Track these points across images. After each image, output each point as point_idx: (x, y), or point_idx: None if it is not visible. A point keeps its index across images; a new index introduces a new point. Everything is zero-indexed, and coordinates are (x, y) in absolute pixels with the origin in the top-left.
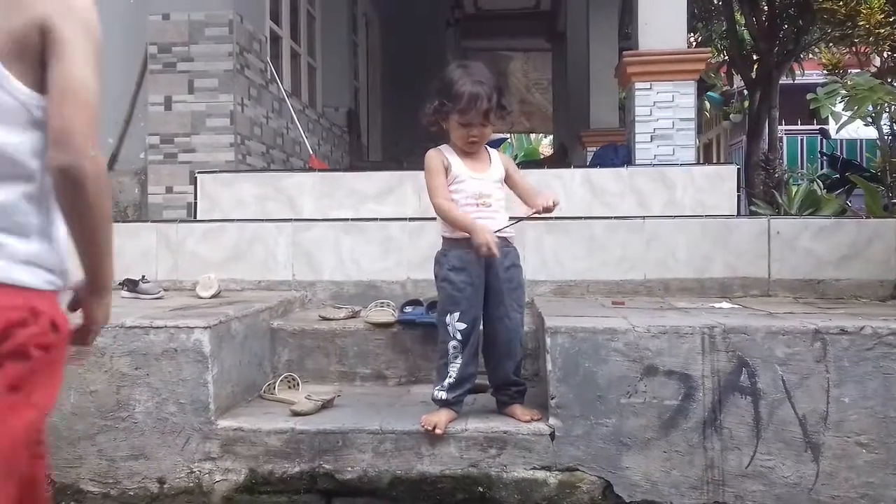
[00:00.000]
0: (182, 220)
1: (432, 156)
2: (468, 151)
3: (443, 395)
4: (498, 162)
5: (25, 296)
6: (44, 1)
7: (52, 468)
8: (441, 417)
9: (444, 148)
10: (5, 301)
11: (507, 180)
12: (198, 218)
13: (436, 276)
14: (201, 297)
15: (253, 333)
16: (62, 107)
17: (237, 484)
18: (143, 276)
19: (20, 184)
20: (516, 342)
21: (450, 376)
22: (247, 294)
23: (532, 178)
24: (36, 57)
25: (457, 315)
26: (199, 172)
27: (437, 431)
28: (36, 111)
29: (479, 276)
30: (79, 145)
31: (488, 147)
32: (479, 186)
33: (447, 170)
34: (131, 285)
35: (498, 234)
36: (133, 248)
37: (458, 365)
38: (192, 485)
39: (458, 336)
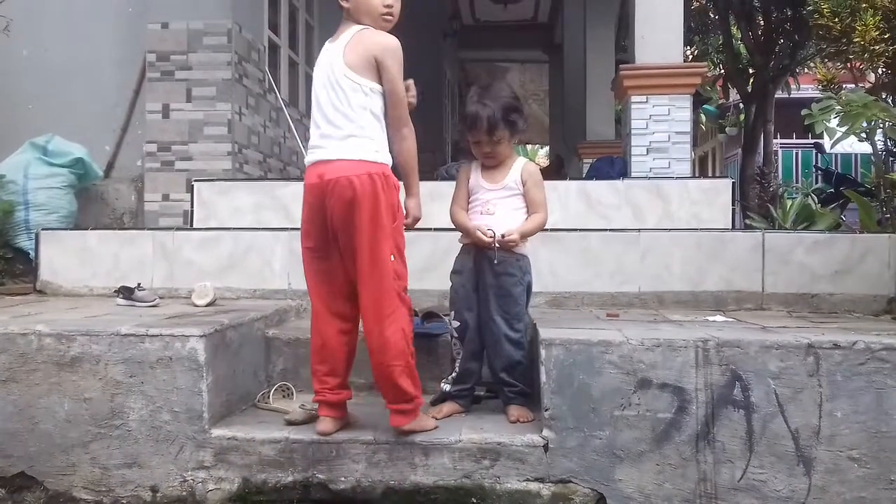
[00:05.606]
0: (178, 228)
1: (461, 169)
2: (486, 166)
3: (447, 387)
4: (516, 174)
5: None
6: (375, 47)
7: (45, 476)
8: (443, 409)
9: (475, 162)
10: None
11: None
12: (194, 226)
13: None
14: (197, 306)
15: (248, 342)
16: (393, 107)
17: (230, 493)
18: (139, 284)
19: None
20: (502, 345)
21: (455, 370)
22: (242, 303)
23: None
24: (374, 70)
25: (453, 313)
26: (195, 180)
27: (435, 415)
28: (366, 89)
29: (471, 278)
30: (403, 122)
31: (522, 157)
32: (488, 196)
33: (469, 182)
34: (127, 293)
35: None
36: (129, 256)
37: (459, 360)
38: (185, 493)
39: (455, 332)
